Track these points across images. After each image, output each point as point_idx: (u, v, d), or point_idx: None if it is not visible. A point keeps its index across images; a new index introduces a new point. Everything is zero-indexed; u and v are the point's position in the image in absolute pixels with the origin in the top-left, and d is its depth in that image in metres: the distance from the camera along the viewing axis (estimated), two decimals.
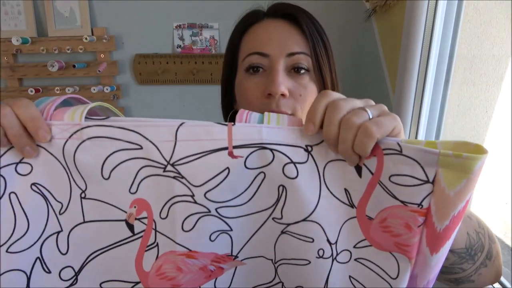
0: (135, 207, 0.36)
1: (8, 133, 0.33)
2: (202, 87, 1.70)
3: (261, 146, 0.35)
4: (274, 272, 0.40)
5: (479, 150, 0.31)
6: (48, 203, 0.36)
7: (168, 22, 1.61)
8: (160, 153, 0.35)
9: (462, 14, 0.97)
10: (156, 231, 0.37)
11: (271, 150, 0.35)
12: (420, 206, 0.33)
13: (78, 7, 1.55)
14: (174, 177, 0.35)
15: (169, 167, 0.35)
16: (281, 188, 0.36)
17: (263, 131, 0.35)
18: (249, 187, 0.36)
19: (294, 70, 0.54)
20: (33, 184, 0.35)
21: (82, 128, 0.34)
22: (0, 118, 0.32)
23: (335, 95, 0.35)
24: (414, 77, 1.02)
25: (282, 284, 0.41)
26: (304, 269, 0.38)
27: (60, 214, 0.36)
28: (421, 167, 0.32)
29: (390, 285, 0.37)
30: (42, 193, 0.35)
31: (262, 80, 0.53)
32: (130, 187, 0.36)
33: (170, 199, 0.36)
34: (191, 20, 1.62)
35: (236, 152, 0.35)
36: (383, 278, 0.37)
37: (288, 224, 0.37)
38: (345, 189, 0.36)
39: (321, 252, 0.37)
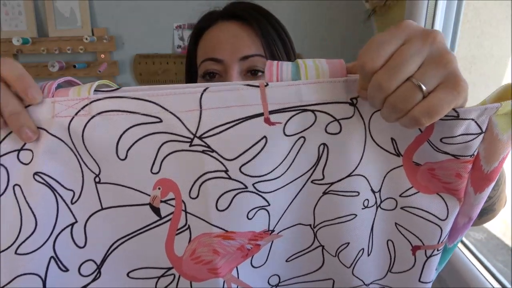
0: (159, 188, 0.32)
1: (3, 111, 0.28)
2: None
3: (302, 109, 0.30)
4: (313, 237, 0.37)
5: None
6: (56, 193, 0.32)
7: (169, 22, 1.61)
8: (184, 125, 0.30)
9: (462, 14, 0.97)
10: (186, 212, 0.33)
11: (312, 111, 0.31)
12: (472, 156, 0.31)
13: (78, 8, 1.56)
14: (203, 152, 0.31)
15: (196, 141, 0.31)
16: (321, 147, 0.33)
17: (302, 90, 0.30)
18: (287, 155, 0.32)
19: (250, 73, 0.52)
20: (36, 173, 0.30)
21: (90, 102, 0.30)
22: None
23: (381, 57, 0.26)
24: None
25: (323, 248, 0.38)
26: (350, 224, 0.36)
27: (72, 203, 0.32)
28: (476, 122, 0.29)
29: (440, 227, 0.35)
30: (47, 182, 0.31)
31: None
32: (152, 166, 0.31)
33: (200, 176, 0.32)
34: (191, 21, 1.62)
35: (273, 118, 0.30)
36: (432, 222, 0.35)
37: (331, 183, 0.34)
38: (392, 139, 0.33)
39: (366, 203, 0.35)
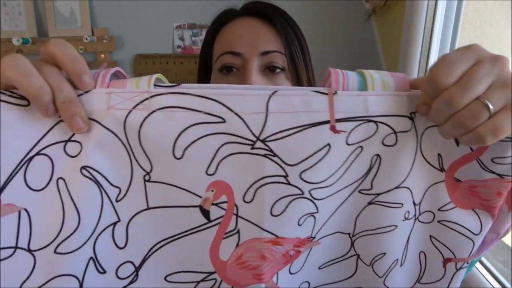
0: (212, 190, 0.31)
1: (57, 97, 0.26)
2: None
3: (367, 119, 0.30)
4: (350, 245, 0.37)
5: None
6: (102, 190, 0.30)
7: (169, 22, 1.61)
8: (248, 127, 0.29)
9: (462, 15, 0.97)
10: (237, 216, 0.32)
11: (375, 122, 0.31)
12: None
13: (78, 8, 1.56)
14: (264, 155, 0.30)
15: (258, 144, 0.30)
16: (375, 157, 0.33)
17: (368, 101, 0.30)
18: (343, 164, 0.32)
19: (269, 69, 0.52)
20: (83, 167, 0.28)
21: (151, 96, 0.28)
22: (47, 78, 0.25)
23: (454, 74, 0.27)
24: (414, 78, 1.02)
25: (358, 256, 0.38)
26: (389, 235, 0.36)
27: (117, 201, 0.30)
28: None
29: (473, 241, 0.36)
30: (95, 178, 0.29)
31: (236, 80, 0.52)
32: (208, 167, 0.30)
33: (258, 180, 0.31)
34: (192, 21, 1.62)
35: (339, 126, 0.30)
36: (465, 236, 0.36)
37: (378, 194, 0.34)
38: (438, 154, 0.34)
39: (406, 214, 0.35)
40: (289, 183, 0.31)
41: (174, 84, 0.29)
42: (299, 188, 0.31)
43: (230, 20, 0.56)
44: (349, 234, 0.37)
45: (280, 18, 0.54)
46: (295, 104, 0.29)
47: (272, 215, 0.32)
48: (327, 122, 0.30)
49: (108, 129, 0.28)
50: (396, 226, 0.36)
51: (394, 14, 1.27)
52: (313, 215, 0.33)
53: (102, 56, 1.61)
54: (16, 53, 0.26)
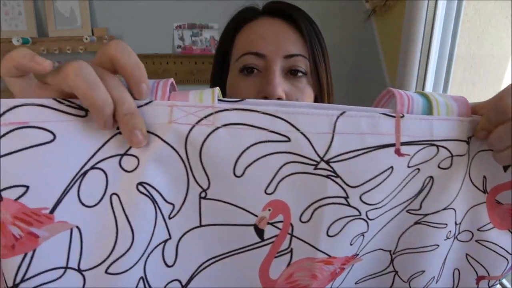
0: (269, 209, 0.30)
1: (119, 109, 0.24)
2: (202, 87, 1.70)
3: (430, 143, 0.30)
4: (390, 262, 0.37)
5: None
6: (157, 207, 0.28)
7: (168, 22, 1.62)
8: (313, 147, 0.29)
9: (462, 14, 0.97)
10: (292, 235, 0.32)
11: (437, 146, 0.31)
12: None
13: (78, 8, 1.56)
14: (327, 176, 0.30)
15: (322, 164, 0.29)
16: (428, 179, 0.33)
17: (433, 125, 0.30)
18: (399, 185, 0.32)
19: (291, 73, 0.51)
20: (140, 183, 0.27)
21: (216, 112, 0.27)
22: (110, 89, 0.24)
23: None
24: (413, 78, 1.02)
25: (396, 273, 0.38)
26: (431, 254, 0.36)
27: (169, 218, 0.29)
28: None
29: (507, 260, 0.37)
30: (151, 195, 0.28)
31: (256, 81, 0.51)
32: (267, 186, 0.29)
33: (318, 200, 0.30)
34: (191, 21, 1.62)
35: (403, 149, 0.30)
36: (501, 255, 0.37)
37: (426, 215, 0.34)
38: (484, 177, 0.35)
39: (448, 234, 0.36)
40: (348, 205, 0.31)
41: (237, 100, 0.29)
42: (357, 209, 0.31)
43: (252, 18, 0.55)
44: (390, 251, 0.37)
45: (304, 19, 0.53)
46: (362, 125, 0.29)
47: (328, 235, 0.32)
48: (392, 145, 0.29)
49: (168, 143, 0.27)
50: (438, 245, 0.36)
51: (394, 14, 1.27)
52: (363, 234, 0.33)
53: None
54: (79, 61, 0.24)
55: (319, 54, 0.53)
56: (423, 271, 0.37)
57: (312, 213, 0.31)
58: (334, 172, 0.29)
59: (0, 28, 1.54)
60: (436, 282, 0.39)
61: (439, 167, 0.32)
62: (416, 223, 0.35)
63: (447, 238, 0.36)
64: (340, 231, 0.32)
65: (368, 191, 0.30)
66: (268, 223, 0.31)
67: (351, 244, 0.33)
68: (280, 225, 0.31)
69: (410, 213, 0.34)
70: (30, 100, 0.24)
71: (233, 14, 0.58)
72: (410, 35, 1.00)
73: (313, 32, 0.53)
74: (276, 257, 0.32)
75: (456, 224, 0.36)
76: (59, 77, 0.24)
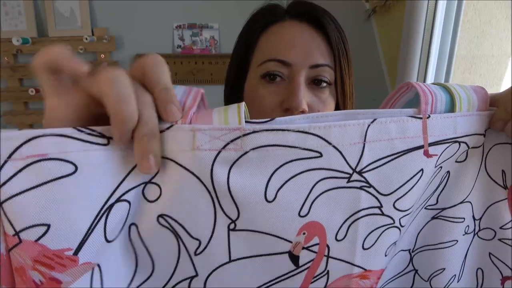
0: (304, 233, 0.28)
1: (140, 128, 0.22)
2: (202, 87, 1.70)
3: (454, 141, 0.30)
4: (409, 261, 0.36)
5: None
6: (180, 241, 0.27)
7: (168, 22, 1.61)
8: (345, 159, 0.27)
9: (462, 15, 0.97)
10: (328, 257, 0.30)
11: (459, 142, 0.30)
12: None
13: (78, 8, 1.56)
14: (360, 187, 0.28)
15: (355, 176, 0.28)
16: (445, 174, 0.32)
17: (457, 122, 0.29)
18: (426, 185, 0.31)
19: (314, 82, 0.49)
20: (161, 216, 0.25)
21: (244, 135, 0.25)
22: (139, 106, 0.22)
23: None
24: (413, 78, 1.02)
25: (416, 272, 0.37)
26: (450, 250, 0.35)
27: (195, 254, 0.27)
28: None
29: None
30: (173, 228, 0.26)
31: (280, 90, 0.49)
32: (301, 208, 0.27)
33: (353, 214, 0.29)
34: (191, 20, 1.62)
35: (431, 150, 0.29)
36: None
37: (443, 209, 0.34)
38: (502, 171, 0.33)
39: (467, 229, 0.35)
40: (382, 214, 0.29)
41: (266, 120, 0.26)
42: (391, 218, 0.30)
43: (279, 20, 0.52)
44: (409, 250, 0.36)
45: (331, 24, 0.51)
46: (391, 130, 0.28)
47: (364, 248, 0.30)
48: (421, 147, 0.28)
49: (192, 173, 0.25)
50: (457, 241, 0.35)
51: (394, 14, 1.27)
52: (395, 243, 0.32)
53: (102, 56, 1.61)
54: (117, 69, 0.22)
55: (345, 63, 0.51)
56: (443, 269, 0.36)
57: (348, 229, 0.29)
58: (367, 182, 0.28)
59: (0, 28, 1.54)
60: (458, 281, 0.38)
61: (456, 161, 0.32)
62: (433, 218, 0.34)
63: (466, 233, 0.35)
64: (375, 242, 0.30)
65: (401, 197, 0.29)
66: (303, 248, 0.29)
67: (385, 255, 0.32)
68: (315, 248, 0.29)
69: (427, 208, 0.34)
70: (50, 131, 0.22)
71: (257, 10, 0.55)
72: (410, 35, 1.00)
73: (340, 39, 0.51)
74: (312, 282, 0.30)
75: (474, 219, 0.35)
76: (93, 79, 0.22)
